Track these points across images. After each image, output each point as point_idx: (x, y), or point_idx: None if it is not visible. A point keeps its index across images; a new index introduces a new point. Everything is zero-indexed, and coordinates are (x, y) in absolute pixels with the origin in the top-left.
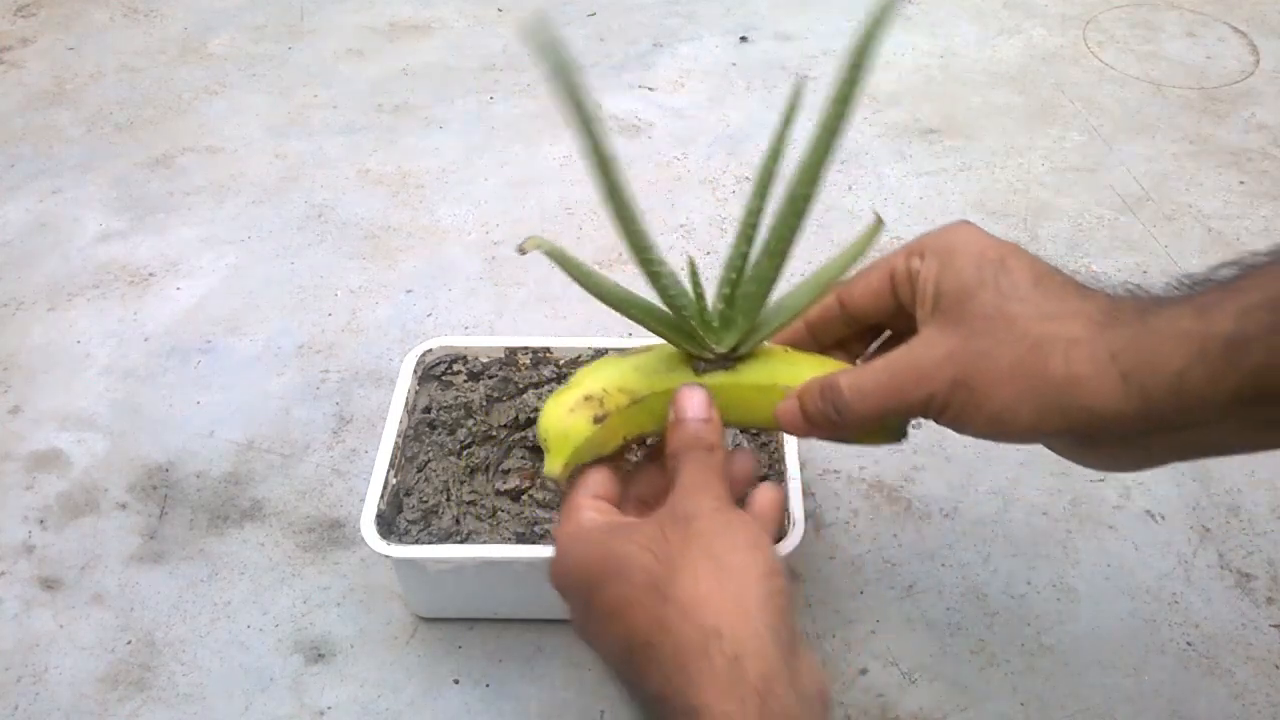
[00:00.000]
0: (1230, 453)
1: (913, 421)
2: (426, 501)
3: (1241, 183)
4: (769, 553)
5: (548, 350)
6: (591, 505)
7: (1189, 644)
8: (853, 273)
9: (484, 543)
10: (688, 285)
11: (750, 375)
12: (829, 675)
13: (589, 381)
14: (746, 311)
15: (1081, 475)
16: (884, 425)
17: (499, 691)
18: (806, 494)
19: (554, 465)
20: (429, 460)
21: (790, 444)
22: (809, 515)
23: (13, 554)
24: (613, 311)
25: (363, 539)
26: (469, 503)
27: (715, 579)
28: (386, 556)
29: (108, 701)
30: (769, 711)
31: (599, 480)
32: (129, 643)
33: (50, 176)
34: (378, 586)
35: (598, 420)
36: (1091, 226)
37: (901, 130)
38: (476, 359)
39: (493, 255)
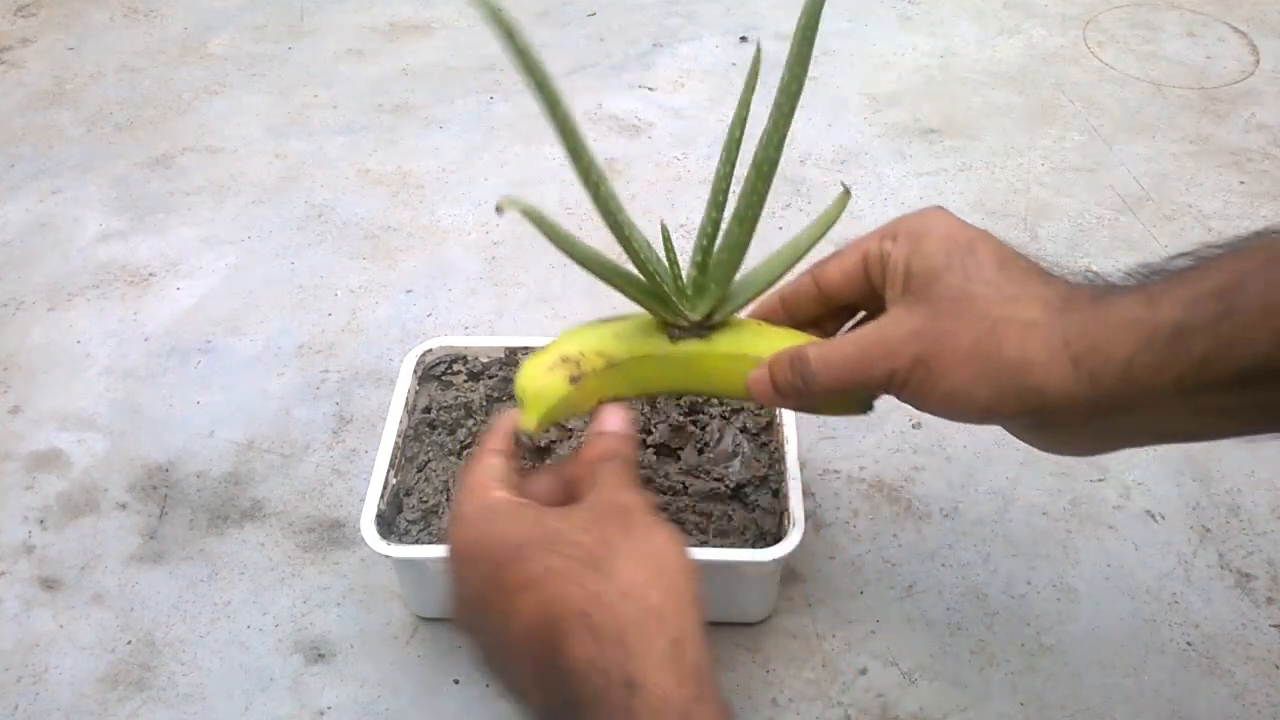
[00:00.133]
0: (1183, 439)
1: (878, 398)
2: (426, 501)
3: (1241, 183)
4: (691, 559)
5: None
6: (502, 488)
7: (1189, 644)
8: (824, 244)
9: None
10: (661, 252)
11: (723, 345)
12: (829, 674)
13: (567, 344)
14: (719, 278)
15: (1081, 475)
16: (850, 397)
17: (499, 691)
18: (806, 494)
19: (529, 421)
20: (429, 460)
21: (790, 444)
22: (809, 515)
23: (13, 554)
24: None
25: (363, 539)
26: None
27: (654, 568)
28: (386, 556)
29: (108, 701)
30: (703, 696)
31: (503, 470)
32: (129, 643)
33: (50, 176)
34: (378, 586)
35: (573, 381)
36: (1091, 226)
37: (901, 130)
38: (476, 359)
39: (493, 255)
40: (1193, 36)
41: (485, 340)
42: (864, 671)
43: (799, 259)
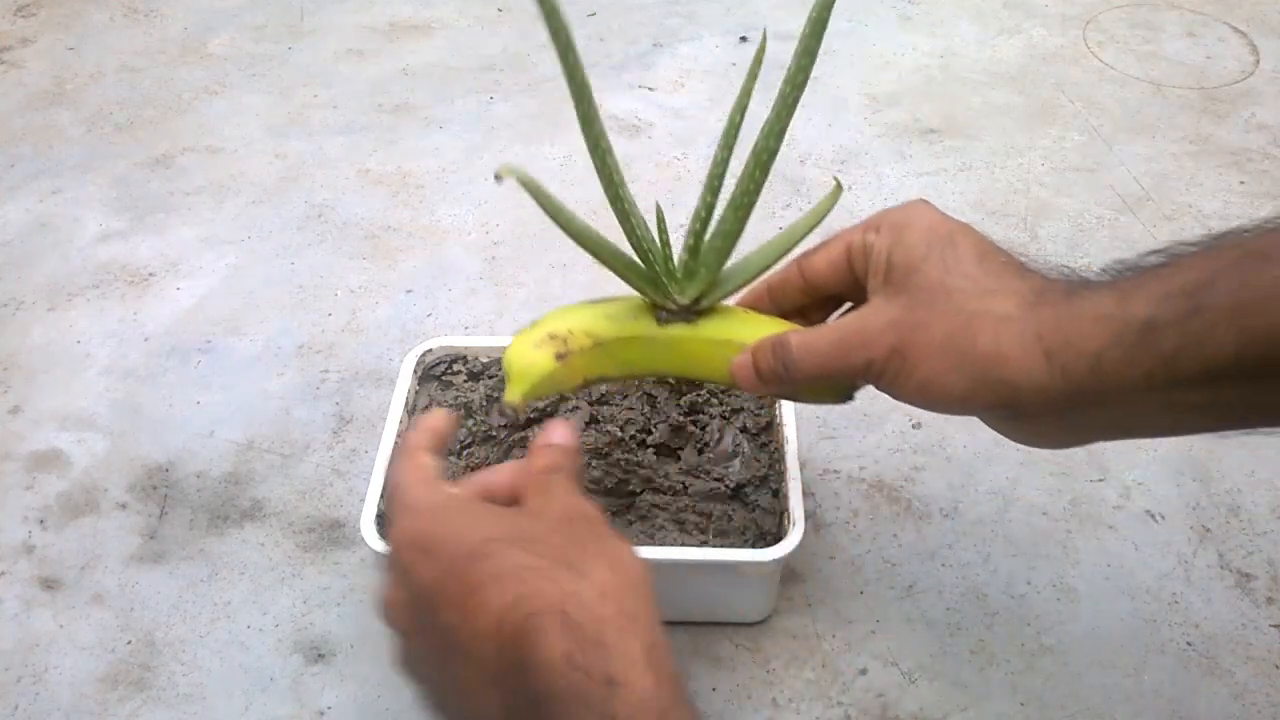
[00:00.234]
0: (1156, 434)
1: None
2: None
3: (1241, 183)
4: (650, 572)
5: None
6: (452, 486)
7: (1189, 644)
8: (815, 237)
9: None
10: (655, 233)
11: (709, 330)
12: (829, 674)
13: (557, 321)
14: (710, 264)
15: (1081, 475)
16: (832, 386)
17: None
18: (806, 494)
19: (514, 394)
20: None
21: (790, 444)
22: (809, 515)
23: (13, 554)
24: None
25: (363, 539)
26: None
27: (624, 574)
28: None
29: (108, 701)
30: (679, 700)
31: (441, 469)
32: (129, 643)
33: (50, 176)
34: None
35: (559, 358)
36: (1091, 226)
37: (901, 130)
38: (476, 359)
39: (493, 255)
40: (1193, 36)
41: (485, 340)
42: (864, 671)
43: (789, 250)
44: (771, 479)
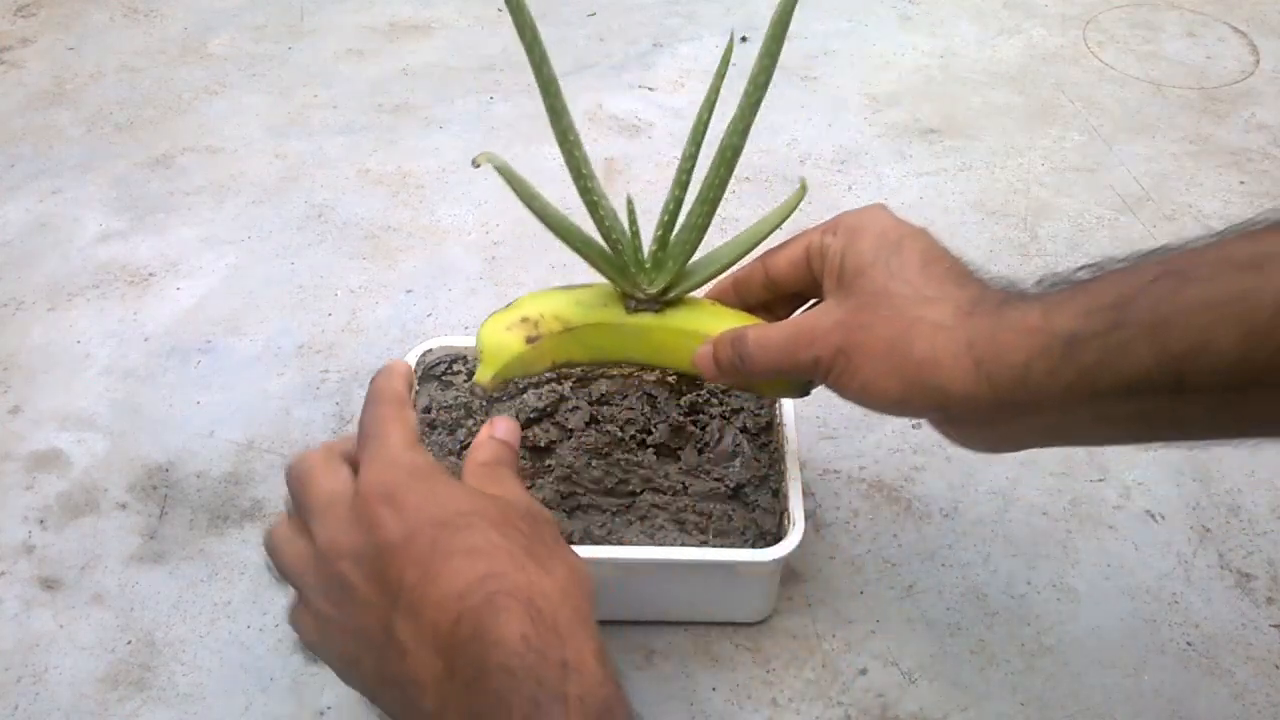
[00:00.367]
0: (1091, 443)
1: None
2: None
3: (1241, 183)
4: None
5: None
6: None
7: (1189, 644)
8: (779, 234)
9: None
10: (625, 223)
11: (676, 320)
12: (829, 674)
13: (530, 305)
14: (677, 255)
15: (1081, 475)
16: (789, 379)
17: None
18: (806, 494)
19: (484, 374)
20: None
21: (790, 444)
22: (809, 515)
23: (13, 554)
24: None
25: None
26: None
27: (580, 582)
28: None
29: (108, 701)
30: (623, 699)
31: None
32: (129, 643)
33: (50, 176)
34: None
35: (530, 341)
36: (1091, 226)
37: (901, 130)
38: (476, 359)
39: (493, 255)
40: (1193, 36)
41: None
42: (864, 671)
43: (755, 246)
44: (771, 479)
